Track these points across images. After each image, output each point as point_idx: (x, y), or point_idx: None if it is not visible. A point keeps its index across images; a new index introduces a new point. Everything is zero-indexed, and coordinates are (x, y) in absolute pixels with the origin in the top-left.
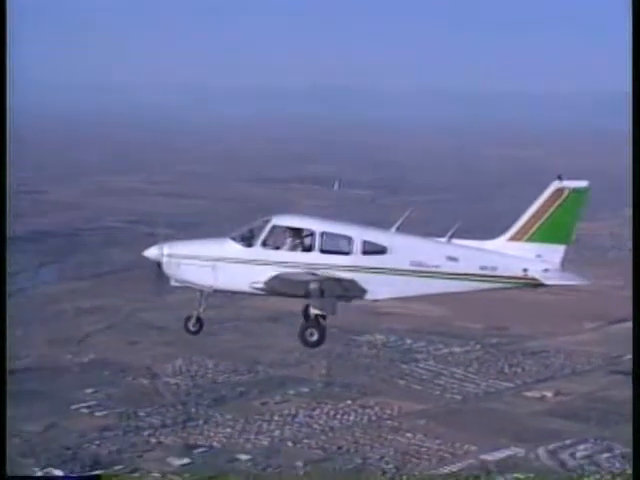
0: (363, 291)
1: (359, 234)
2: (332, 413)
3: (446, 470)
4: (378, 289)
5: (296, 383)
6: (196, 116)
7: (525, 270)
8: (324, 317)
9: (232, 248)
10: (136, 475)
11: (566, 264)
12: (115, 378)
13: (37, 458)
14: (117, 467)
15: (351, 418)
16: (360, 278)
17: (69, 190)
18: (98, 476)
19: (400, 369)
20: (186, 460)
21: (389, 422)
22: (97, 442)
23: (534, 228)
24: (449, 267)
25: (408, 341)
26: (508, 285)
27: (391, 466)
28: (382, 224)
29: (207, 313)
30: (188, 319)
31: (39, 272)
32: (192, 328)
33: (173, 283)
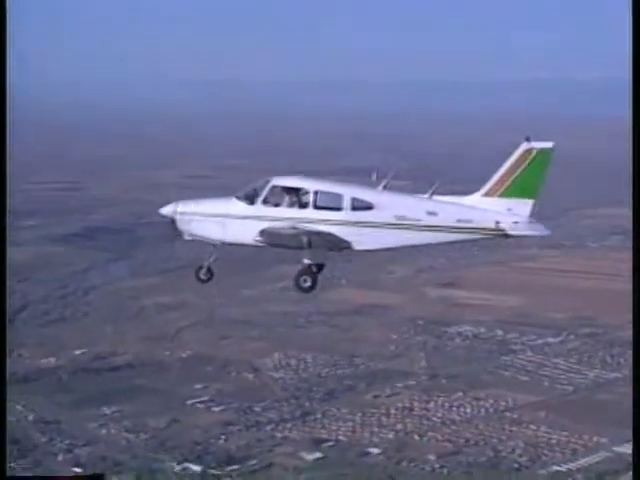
0: (345, 242)
1: (349, 192)
2: (447, 406)
3: (582, 462)
4: (366, 240)
5: (401, 376)
6: (217, 111)
7: (497, 222)
8: (318, 266)
9: (237, 206)
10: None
11: None
12: (219, 373)
13: (171, 454)
14: (251, 462)
15: (468, 410)
16: (350, 231)
17: (110, 186)
18: (101, 475)
19: (501, 361)
20: (318, 454)
21: (508, 414)
22: (223, 437)
23: (505, 185)
24: (429, 220)
25: (499, 332)
26: (482, 236)
27: (525, 459)
28: None
29: (288, 307)
30: (200, 269)
31: (107, 269)
32: (203, 277)
33: (186, 237)
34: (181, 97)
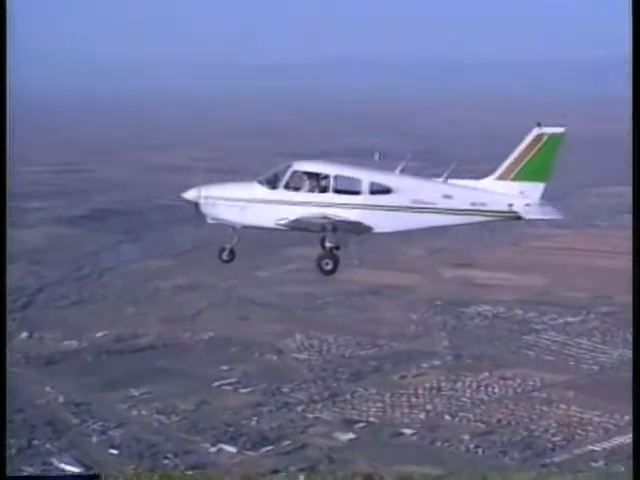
0: (369, 228)
1: (368, 176)
2: (475, 386)
3: (617, 441)
4: (384, 224)
5: (425, 356)
6: (218, 92)
7: (510, 205)
8: (338, 248)
9: (259, 190)
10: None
11: None
12: (243, 355)
13: (203, 435)
14: (285, 443)
15: (496, 390)
16: (368, 215)
17: (115, 168)
18: (98, 476)
19: (523, 340)
20: (351, 435)
21: (537, 394)
22: (255, 419)
23: (518, 168)
24: (444, 204)
25: (519, 312)
26: (495, 219)
27: (559, 438)
28: None
29: (305, 288)
30: (222, 250)
31: (119, 251)
32: (225, 258)
33: (209, 221)
34: (182, 80)
